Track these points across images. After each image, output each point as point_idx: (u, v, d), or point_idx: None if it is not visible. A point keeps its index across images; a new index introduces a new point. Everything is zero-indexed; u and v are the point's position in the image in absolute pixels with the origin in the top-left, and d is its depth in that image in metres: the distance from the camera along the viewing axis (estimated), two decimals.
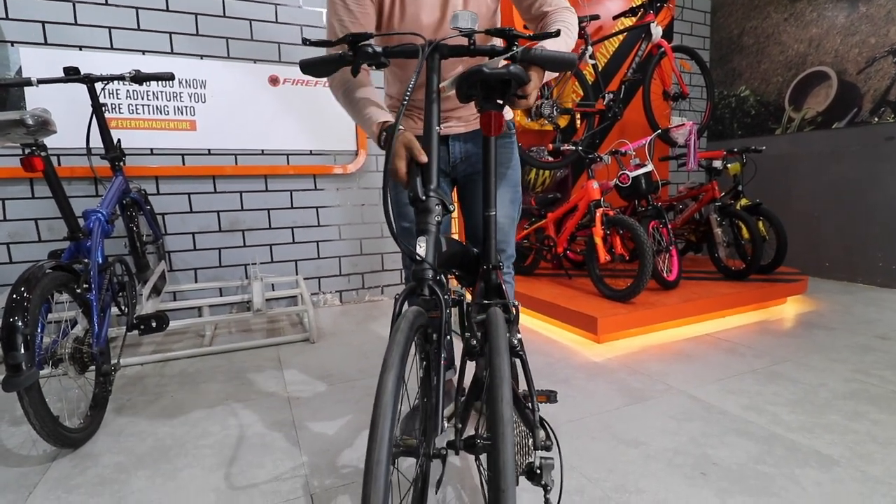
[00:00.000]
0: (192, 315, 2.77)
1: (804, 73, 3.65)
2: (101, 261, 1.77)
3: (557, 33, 1.04)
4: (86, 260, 1.64)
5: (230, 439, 1.54)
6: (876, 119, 3.28)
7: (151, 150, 2.69)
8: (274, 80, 2.90)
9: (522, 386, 1.11)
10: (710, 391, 1.81)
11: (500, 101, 1.05)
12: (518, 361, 1.07)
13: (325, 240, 3.16)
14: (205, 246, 2.86)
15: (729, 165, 3.08)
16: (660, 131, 2.90)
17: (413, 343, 0.86)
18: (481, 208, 1.43)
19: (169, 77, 2.11)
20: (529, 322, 2.71)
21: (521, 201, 1.53)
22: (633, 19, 3.37)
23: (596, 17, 3.07)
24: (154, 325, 1.90)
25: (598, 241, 2.51)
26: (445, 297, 0.96)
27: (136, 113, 2.64)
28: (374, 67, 1.07)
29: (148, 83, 2.57)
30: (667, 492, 1.25)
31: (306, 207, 3.08)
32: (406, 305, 0.90)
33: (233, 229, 2.91)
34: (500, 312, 0.99)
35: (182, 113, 2.73)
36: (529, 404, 1.03)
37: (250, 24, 2.83)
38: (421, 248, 0.94)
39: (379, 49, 1.03)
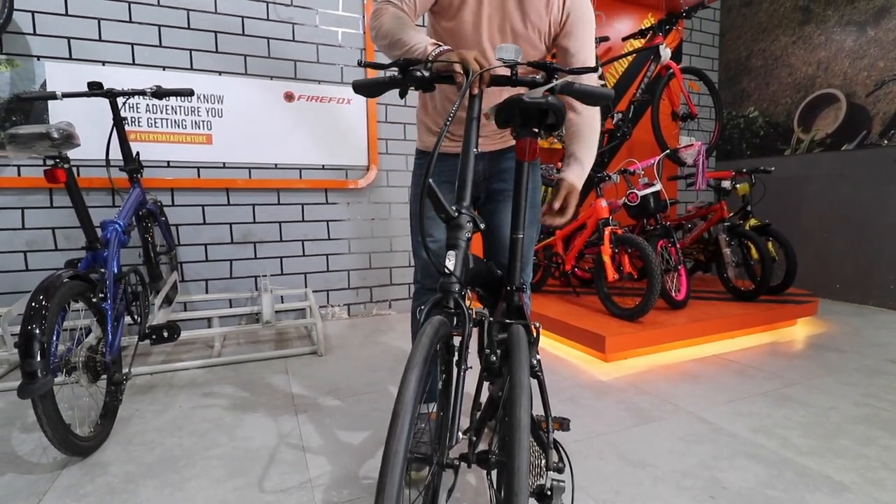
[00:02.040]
0: (202, 325, 2.80)
1: (813, 94, 3.67)
2: (116, 271, 1.81)
3: (596, 69, 1.08)
4: (102, 270, 1.68)
5: (238, 451, 1.54)
6: (886, 141, 3.28)
7: (168, 162, 2.75)
8: (289, 97, 2.97)
9: (537, 406, 1.11)
10: (719, 413, 1.80)
11: (536, 130, 1.09)
12: (535, 382, 1.08)
13: (334, 253, 3.19)
14: (217, 257, 2.90)
15: (738, 186, 3.09)
16: (668, 151, 2.92)
17: (436, 350, 0.88)
18: (502, 227, 1.48)
19: (188, 93, 2.16)
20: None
21: (539, 222, 1.55)
22: (643, 41, 3.42)
23: (606, 39, 3.12)
24: (166, 335, 1.92)
25: (607, 259, 2.52)
26: (470, 311, 0.98)
27: (155, 126, 2.71)
28: (422, 90, 1.11)
29: (168, 98, 2.64)
30: None
31: (317, 221, 3.12)
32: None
33: (244, 241, 2.95)
34: (522, 331, 1.00)
35: (199, 127, 2.79)
36: (544, 425, 1.04)
37: (268, 42, 2.90)
38: (450, 261, 0.96)
39: (427, 74, 1.07)
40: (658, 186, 2.68)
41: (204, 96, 2.79)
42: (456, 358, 0.97)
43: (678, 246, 2.74)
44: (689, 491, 1.33)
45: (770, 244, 3.04)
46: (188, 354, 2.48)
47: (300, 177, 3.04)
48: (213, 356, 2.40)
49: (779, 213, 3.77)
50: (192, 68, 2.76)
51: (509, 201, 1.49)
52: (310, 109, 3.02)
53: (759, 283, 2.87)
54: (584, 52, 1.32)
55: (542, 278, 3.18)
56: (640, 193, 2.66)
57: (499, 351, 1.04)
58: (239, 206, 2.92)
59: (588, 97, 1.09)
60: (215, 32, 2.79)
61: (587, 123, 1.35)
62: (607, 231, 2.56)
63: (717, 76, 4.38)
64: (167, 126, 2.73)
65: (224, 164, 2.87)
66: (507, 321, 1.12)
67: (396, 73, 1.08)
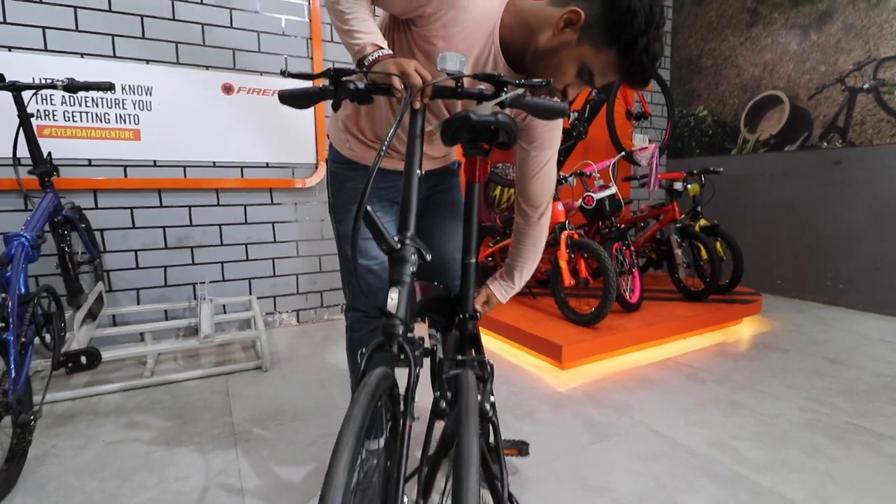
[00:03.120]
0: (134, 340, 2.57)
1: (759, 96, 3.77)
2: (23, 291, 1.59)
3: (548, 82, 0.99)
4: (3, 294, 1.46)
5: (168, 496, 1.40)
6: (825, 143, 3.42)
7: (90, 160, 2.48)
8: (228, 89, 2.74)
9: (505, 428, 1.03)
10: (674, 425, 1.80)
11: (487, 147, 1.02)
12: (490, 427, 1.00)
13: (281, 256, 3.01)
14: (149, 264, 2.66)
15: (689, 187, 3.14)
16: (624, 153, 2.91)
17: (377, 407, 0.79)
18: (445, 244, 1.39)
19: (107, 87, 1.94)
20: (494, 345, 2.66)
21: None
22: None
23: None
24: (84, 362, 1.72)
25: (563, 264, 2.49)
26: (417, 353, 0.89)
27: (73, 120, 2.43)
28: (356, 102, 1.00)
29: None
30: None
31: (261, 223, 2.92)
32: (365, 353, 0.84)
33: (180, 246, 2.73)
34: (472, 380, 0.92)
35: (125, 121, 2.53)
36: (499, 475, 0.96)
37: (202, 28, 2.66)
38: (393, 300, 0.86)
39: (362, 86, 0.95)
40: (613, 189, 2.67)
41: (130, 87, 2.52)
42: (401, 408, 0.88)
43: (632, 248, 2.75)
44: None
45: (718, 244, 3.11)
46: (117, 374, 2.26)
47: (242, 175, 2.83)
48: (146, 376, 2.19)
49: (726, 210, 3.87)
50: (114, 56, 2.49)
51: (450, 215, 1.42)
52: (251, 103, 2.80)
53: (709, 284, 2.94)
54: (550, 143, 1.27)
55: None
56: (596, 196, 2.64)
57: (449, 393, 0.96)
58: (173, 207, 2.69)
59: (540, 111, 1.00)
60: (141, 16, 2.52)
61: (536, 237, 1.34)
62: (564, 236, 2.52)
63: (669, 74, 4.43)
64: (87, 120, 2.46)
65: (155, 161, 2.62)
66: (460, 358, 1.04)
67: (327, 84, 0.95)
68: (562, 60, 1.01)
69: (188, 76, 2.64)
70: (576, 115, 3.18)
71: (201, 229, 2.77)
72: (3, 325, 1.42)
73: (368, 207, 0.86)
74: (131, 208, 2.60)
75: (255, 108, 2.81)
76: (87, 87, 1.91)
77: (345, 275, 1.43)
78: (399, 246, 0.90)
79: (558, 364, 2.30)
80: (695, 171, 3.17)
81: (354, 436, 0.69)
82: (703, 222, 3.14)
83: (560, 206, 2.60)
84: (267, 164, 2.89)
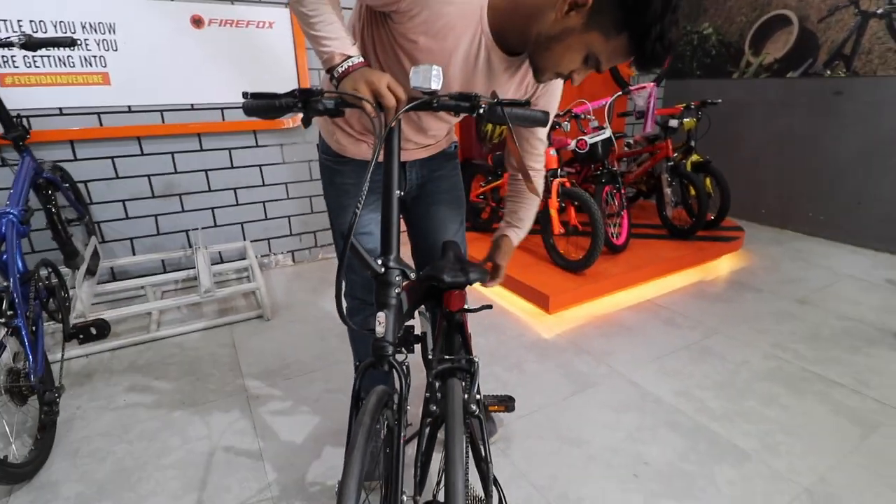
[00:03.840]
0: (136, 295, 2.64)
1: (767, 15, 3.53)
2: (22, 269, 1.62)
3: (527, 102, 0.96)
4: (5, 283, 1.49)
5: (193, 456, 1.56)
6: (828, 72, 3.29)
7: (60, 109, 2.36)
8: (197, 22, 2.52)
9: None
10: (646, 374, 1.97)
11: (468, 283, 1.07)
12: (476, 422, 1.11)
13: (272, 199, 2.99)
14: (138, 214, 2.65)
15: (685, 121, 3.07)
16: (621, 92, 2.80)
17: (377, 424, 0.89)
18: (437, 232, 1.41)
19: (70, 43, 1.80)
20: (486, 289, 2.77)
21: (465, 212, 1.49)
22: None
23: None
24: (94, 332, 1.81)
25: (553, 213, 2.52)
26: (405, 366, 0.97)
27: (35, 66, 2.26)
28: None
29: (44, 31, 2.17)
30: (603, 497, 1.40)
31: (248, 166, 2.86)
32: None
33: (168, 194, 2.69)
34: (458, 388, 1.02)
35: (91, 64, 2.36)
36: (485, 463, 1.09)
37: None
38: (381, 324, 0.92)
39: (331, 105, 0.93)
40: (608, 133, 2.61)
41: (91, 25, 2.32)
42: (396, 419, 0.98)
43: (623, 191, 2.77)
44: (616, 470, 1.50)
45: (708, 181, 3.13)
46: (124, 327, 2.36)
47: (223, 118, 2.72)
48: (152, 329, 2.30)
49: (720, 138, 3.80)
50: None
51: (448, 201, 1.42)
52: (225, 37, 2.60)
53: (695, 221, 3.01)
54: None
55: (489, 219, 3.17)
56: (590, 141, 2.59)
57: (438, 395, 1.06)
58: (155, 154, 2.61)
59: (520, 121, 0.99)
60: None
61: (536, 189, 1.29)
62: (555, 183, 2.52)
63: None
64: (50, 65, 2.29)
65: (129, 107, 2.49)
66: (447, 357, 1.12)
67: (296, 101, 0.91)
68: (567, 47, 0.93)
69: (153, 9, 2.41)
70: None
71: (187, 176, 2.71)
72: (11, 311, 1.47)
73: (353, 240, 0.88)
74: (112, 157, 2.52)
75: (229, 43, 2.61)
76: (47, 43, 1.77)
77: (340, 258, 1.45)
78: (383, 270, 0.94)
79: (545, 310, 2.43)
80: (692, 105, 3.08)
81: (361, 453, 0.80)
82: (695, 158, 3.13)
83: (553, 152, 2.57)
84: None
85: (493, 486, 1.07)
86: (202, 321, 2.36)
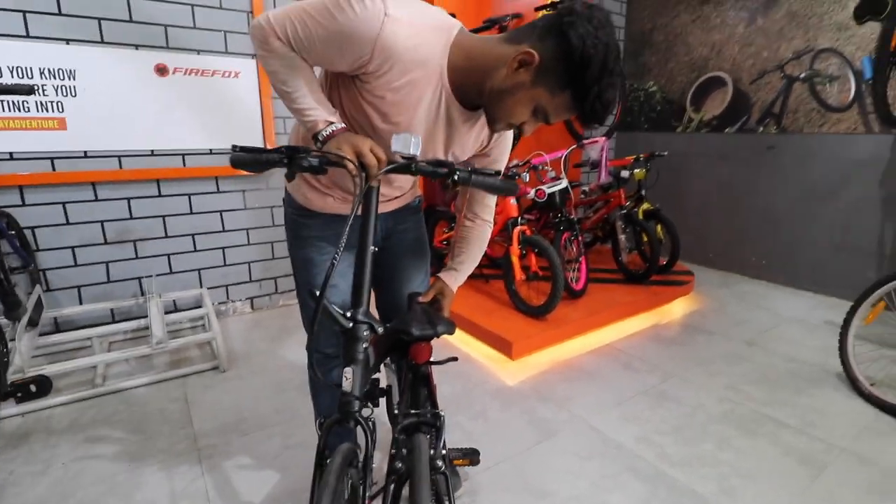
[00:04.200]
0: (82, 346, 2.49)
1: (705, 76, 3.87)
2: None
3: (498, 173, 1.03)
4: None
5: None
6: (761, 128, 3.60)
7: (11, 154, 2.28)
8: (161, 70, 2.53)
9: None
10: (608, 420, 2.00)
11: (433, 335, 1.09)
12: (441, 479, 1.10)
13: (231, 245, 2.94)
14: (88, 260, 2.55)
15: (635, 171, 3.26)
16: (576, 145, 2.97)
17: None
18: (403, 286, 1.43)
19: (28, 91, 1.77)
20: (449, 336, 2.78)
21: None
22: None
23: (518, 16, 2.98)
24: (34, 390, 1.69)
25: (515, 259, 2.59)
26: (371, 422, 0.97)
27: None
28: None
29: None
30: None
31: (208, 212, 2.82)
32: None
33: (121, 240, 2.61)
34: (424, 446, 1.02)
35: (47, 109, 2.32)
36: None
37: (128, 2, 2.40)
38: (347, 380, 0.93)
39: (315, 162, 0.97)
40: (564, 182, 2.74)
41: (50, 71, 2.29)
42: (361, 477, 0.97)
43: (580, 238, 2.88)
44: None
45: (659, 228, 3.31)
46: (66, 381, 2.21)
47: (184, 164, 2.69)
48: (97, 383, 2.17)
49: (667, 187, 4.03)
50: (28, 35, 2.23)
51: (412, 254, 1.45)
52: (189, 85, 2.62)
53: (648, 266, 3.15)
54: (500, 161, 1.28)
55: None
56: (548, 190, 2.71)
57: (403, 450, 1.06)
58: (110, 200, 2.54)
59: (490, 189, 1.06)
60: None
61: (481, 235, 1.36)
62: (516, 231, 2.60)
63: (623, 46, 4.43)
64: (4, 109, 2.23)
65: (85, 153, 2.44)
66: (413, 412, 1.12)
67: (282, 157, 0.96)
68: (517, 101, 1.01)
69: (116, 56, 2.41)
70: None
71: (143, 222, 2.65)
72: None
73: (325, 300, 0.91)
74: (63, 203, 2.44)
75: (193, 90, 2.63)
76: (3, 91, 1.74)
77: (304, 313, 1.44)
78: (351, 325, 0.95)
79: (509, 356, 2.46)
80: (641, 157, 3.29)
81: None
82: (646, 206, 3.31)
83: (513, 201, 2.66)
84: (210, 150, 2.75)
85: None
86: (151, 374, 2.25)
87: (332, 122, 1.02)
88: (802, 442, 1.88)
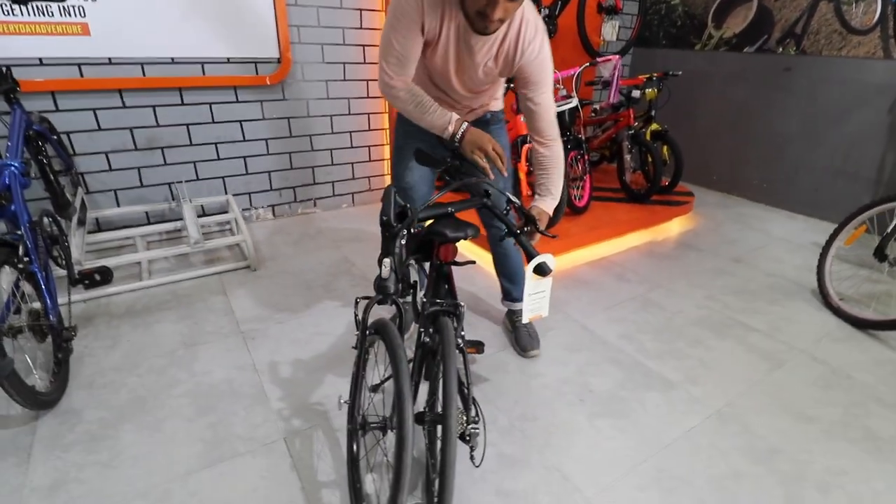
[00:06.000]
0: (125, 244, 2.73)
1: None
2: (28, 219, 1.73)
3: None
4: (19, 232, 1.61)
5: (200, 387, 1.76)
6: (780, 49, 3.54)
7: (40, 59, 2.36)
8: None
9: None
10: (597, 321, 2.27)
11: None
12: (460, 354, 1.36)
13: (252, 155, 3.08)
14: (121, 166, 2.71)
15: (647, 91, 3.28)
16: (589, 63, 2.97)
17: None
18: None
19: None
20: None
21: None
22: None
23: None
24: (98, 279, 1.94)
25: (522, 175, 2.72)
26: (406, 306, 1.23)
27: (12, 14, 2.25)
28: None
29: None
30: (553, 417, 1.70)
31: (229, 121, 2.93)
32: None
33: (150, 147, 2.75)
34: (450, 326, 1.26)
35: (69, 14, 2.35)
36: (466, 386, 1.35)
37: None
38: (385, 268, 1.16)
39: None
40: (574, 102, 2.80)
41: None
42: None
43: (587, 157, 2.99)
44: (566, 396, 1.80)
45: (665, 149, 3.39)
46: (116, 274, 2.47)
47: (203, 73, 2.76)
48: (144, 278, 2.43)
49: (679, 107, 4.05)
50: None
51: None
52: None
53: (651, 186, 3.28)
54: (543, 85, 1.55)
55: None
56: (558, 109, 2.77)
57: (431, 330, 1.31)
58: (137, 108, 2.65)
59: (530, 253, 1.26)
60: None
61: (555, 158, 1.58)
62: (525, 148, 2.71)
63: None
64: (28, 13, 2.28)
65: (110, 59, 2.51)
66: (437, 301, 1.36)
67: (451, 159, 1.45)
68: None
69: None
70: (546, 11, 3.13)
71: (169, 129, 2.77)
72: (28, 258, 1.60)
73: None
74: (94, 109, 2.55)
75: None
76: None
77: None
78: (396, 226, 1.15)
79: None
80: (654, 76, 3.29)
81: (408, 387, 1.09)
82: (654, 127, 3.37)
83: (523, 119, 2.73)
84: (228, 59, 2.80)
85: (472, 405, 1.33)
86: (191, 270, 2.51)
87: (460, 126, 1.43)
88: (767, 343, 2.15)
